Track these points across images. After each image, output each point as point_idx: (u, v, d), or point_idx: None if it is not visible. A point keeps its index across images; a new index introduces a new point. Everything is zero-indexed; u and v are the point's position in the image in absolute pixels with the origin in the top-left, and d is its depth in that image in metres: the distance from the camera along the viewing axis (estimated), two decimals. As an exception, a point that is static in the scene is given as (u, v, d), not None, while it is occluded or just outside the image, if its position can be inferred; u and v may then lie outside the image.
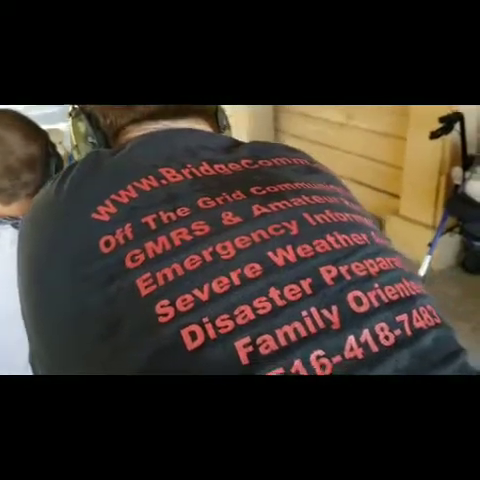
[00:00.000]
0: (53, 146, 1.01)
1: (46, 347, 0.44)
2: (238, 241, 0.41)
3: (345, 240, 0.44)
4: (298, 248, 0.42)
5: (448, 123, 1.85)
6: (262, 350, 0.36)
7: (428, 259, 2.08)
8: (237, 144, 0.56)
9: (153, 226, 0.42)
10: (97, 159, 0.49)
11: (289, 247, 0.42)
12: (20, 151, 0.95)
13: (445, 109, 1.98)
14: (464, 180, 1.99)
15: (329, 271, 0.41)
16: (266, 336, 0.36)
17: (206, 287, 0.38)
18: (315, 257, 0.41)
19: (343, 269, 0.41)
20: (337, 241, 0.44)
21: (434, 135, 1.88)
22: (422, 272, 2.11)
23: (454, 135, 2.04)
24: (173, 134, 0.55)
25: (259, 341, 0.36)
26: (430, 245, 2.09)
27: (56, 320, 0.43)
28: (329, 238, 0.44)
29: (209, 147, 0.53)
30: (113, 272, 0.40)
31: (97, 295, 0.40)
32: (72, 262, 0.42)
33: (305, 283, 0.40)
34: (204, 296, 0.38)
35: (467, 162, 2.01)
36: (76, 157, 0.62)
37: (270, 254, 0.41)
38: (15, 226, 0.94)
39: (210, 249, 0.41)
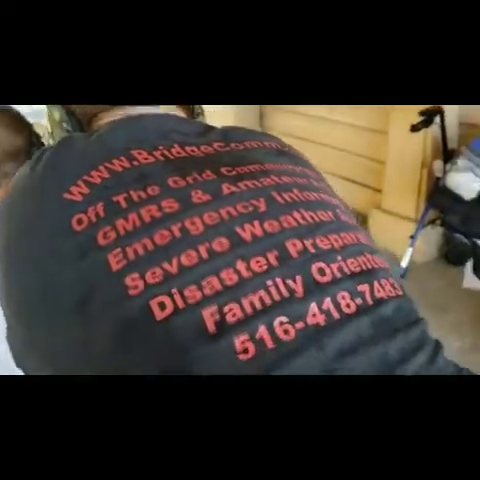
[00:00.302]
0: (37, 136, 1.01)
1: (17, 318, 0.46)
2: (207, 217, 0.43)
3: (311, 217, 0.46)
4: (265, 223, 0.43)
5: (429, 116, 1.89)
6: (229, 318, 0.37)
7: (410, 251, 2.11)
8: (210, 129, 0.57)
9: (124, 204, 0.44)
10: (70, 142, 0.50)
11: (256, 223, 0.43)
12: (5, 143, 0.96)
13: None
14: (445, 173, 2.02)
15: (294, 245, 0.43)
16: (232, 305, 0.38)
17: (175, 261, 0.40)
18: (281, 232, 0.43)
19: (308, 243, 0.43)
20: (303, 218, 0.45)
21: (415, 128, 1.92)
22: (404, 264, 2.14)
23: (435, 129, 2.07)
24: (146, 118, 0.56)
25: (226, 310, 0.38)
26: (412, 237, 2.12)
27: (26, 292, 0.44)
28: (295, 215, 0.45)
29: (182, 131, 0.54)
30: (85, 249, 0.42)
31: (69, 271, 0.41)
32: (44, 239, 0.44)
33: (271, 255, 0.41)
34: (173, 269, 0.39)
35: (448, 155, 2.04)
36: (51, 143, 0.63)
37: (238, 229, 0.42)
38: None
39: (179, 225, 0.42)
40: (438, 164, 2.12)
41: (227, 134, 0.56)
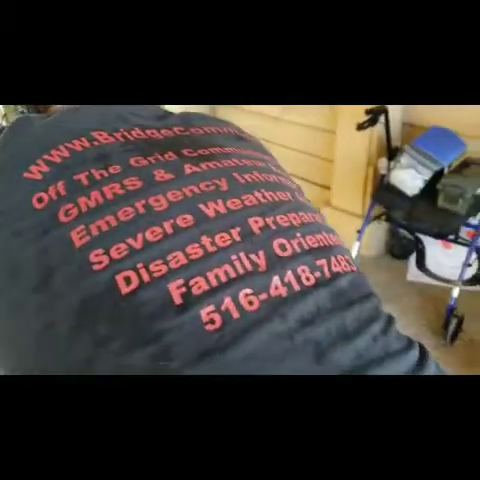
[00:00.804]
0: None
1: None
2: (170, 195, 0.44)
3: (271, 196, 0.48)
4: (228, 201, 0.45)
5: (374, 115, 1.96)
6: (194, 290, 0.38)
7: (357, 245, 2.18)
8: (168, 114, 0.58)
9: (86, 182, 0.44)
10: (28, 122, 0.49)
11: (219, 201, 0.44)
12: None
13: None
14: (389, 170, 2.10)
15: (256, 222, 0.44)
16: (198, 278, 0.39)
17: (140, 236, 0.40)
18: (243, 209, 0.45)
19: (269, 220, 0.45)
20: (264, 197, 0.47)
21: (361, 127, 1.98)
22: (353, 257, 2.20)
23: (379, 129, 2.15)
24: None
25: (191, 283, 0.39)
26: (359, 232, 2.19)
27: None
28: (257, 194, 0.47)
29: (141, 115, 0.55)
30: (46, 226, 0.41)
31: (30, 248, 0.41)
32: (6, 219, 0.43)
33: (235, 232, 0.43)
34: (138, 244, 0.40)
35: (392, 153, 2.13)
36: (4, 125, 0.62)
37: (201, 206, 0.43)
38: None
39: (143, 202, 0.42)
40: (383, 162, 2.20)
41: (186, 119, 0.57)
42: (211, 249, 0.41)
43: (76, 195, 0.43)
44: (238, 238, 0.42)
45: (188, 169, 0.47)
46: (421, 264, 2.28)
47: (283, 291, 0.40)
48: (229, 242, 0.42)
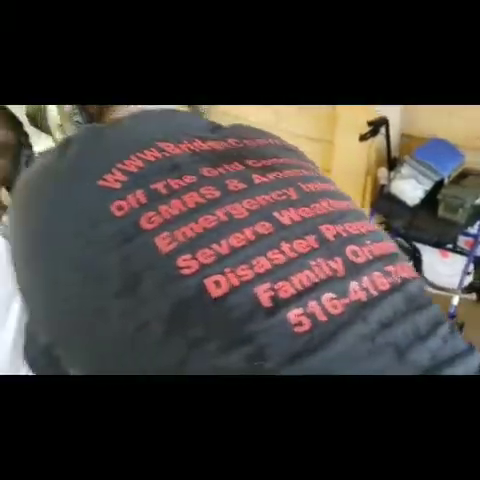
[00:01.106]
0: (26, 136, 0.99)
1: (51, 312, 0.45)
2: (246, 203, 0.45)
3: (336, 205, 0.50)
4: (299, 210, 0.47)
5: (376, 126, 2.00)
6: (281, 294, 0.40)
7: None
8: (218, 126, 0.60)
9: (164, 191, 0.45)
10: (97, 131, 0.51)
11: (291, 209, 0.47)
12: None
13: (370, 115, 2.13)
14: (390, 180, 2.15)
15: (328, 229, 0.46)
16: (283, 282, 0.41)
17: (224, 242, 0.42)
18: (315, 217, 0.47)
19: (339, 228, 0.47)
20: (330, 205, 0.49)
21: (363, 138, 2.02)
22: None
23: (378, 139, 2.20)
24: (164, 113, 0.58)
25: (277, 286, 0.40)
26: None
27: (62, 281, 0.44)
28: (323, 203, 0.49)
29: (196, 127, 0.57)
30: (128, 233, 0.43)
31: (111, 255, 0.42)
32: (77, 226, 0.44)
33: (311, 238, 0.44)
34: (224, 250, 0.42)
35: (392, 163, 2.17)
36: (59, 136, 0.63)
37: (276, 214, 0.45)
38: None
39: (223, 210, 0.44)
40: (383, 172, 2.25)
41: (236, 131, 0.59)
42: (292, 255, 0.42)
43: (157, 203, 0.44)
44: (315, 245, 0.44)
45: (257, 179, 0.49)
46: (418, 272, 2.33)
47: (362, 296, 0.42)
48: (308, 248, 0.43)
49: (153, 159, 0.48)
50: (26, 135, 1.00)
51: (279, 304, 0.40)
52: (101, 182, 0.45)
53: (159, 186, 0.46)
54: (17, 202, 0.51)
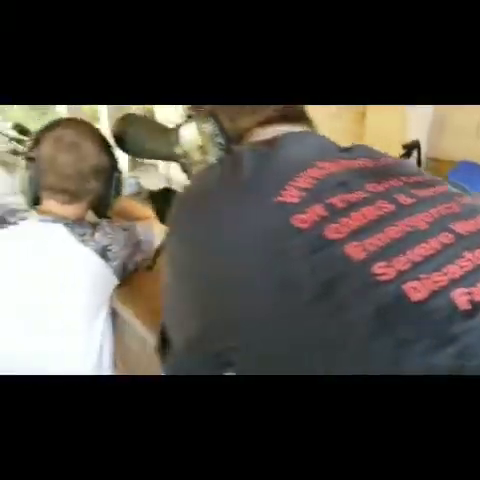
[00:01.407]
0: (116, 160, 1.04)
1: (243, 317, 0.48)
2: (423, 216, 0.49)
3: None
4: (469, 221, 0.50)
5: (410, 149, 2.06)
6: (476, 297, 0.43)
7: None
8: (344, 147, 0.64)
9: (341, 205, 0.49)
10: (265, 153, 0.54)
11: (462, 220, 0.50)
12: (92, 160, 0.98)
13: (398, 136, 2.20)
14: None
15: None
16: (474, 288, 0.44)
17: (415, 250, 0.45)
18: None
19: None
20: None
21: (397, 160, 2.08)
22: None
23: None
24: (304, 135, 0.62)
25: (470, 291, 0.44)
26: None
27: (247, 295, 0.47)
28: (477, 216, 0.53)
29: (330, 147, 0.61)
30: (315, 244, 0.46)
31: (301, 265, 0.45)
32: (260, 240, 0.47)
33: None
34: (416, 257, 0.45)
35: (422, 186, 2.23)
36: (198, 158, 0.67)
37: (451, 226, 0.49)
38: (67, 226, 0.95)
39: (405, 221, 0.48)
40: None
41: (363, 151, 0.63)
42: (478, 262, 0.46)
43: (337, 216, 0.48)
44: None
45: (420, 194, 0.52)
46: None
47: None
48: None
49: (320, 176, 0.52)
50: (116, 159, 1.05)
51: (477, 307, 0.43)
52: (278, 198, 0.49)
53: (334, 200, 0.49)
54: (180, 220, 0.55)
